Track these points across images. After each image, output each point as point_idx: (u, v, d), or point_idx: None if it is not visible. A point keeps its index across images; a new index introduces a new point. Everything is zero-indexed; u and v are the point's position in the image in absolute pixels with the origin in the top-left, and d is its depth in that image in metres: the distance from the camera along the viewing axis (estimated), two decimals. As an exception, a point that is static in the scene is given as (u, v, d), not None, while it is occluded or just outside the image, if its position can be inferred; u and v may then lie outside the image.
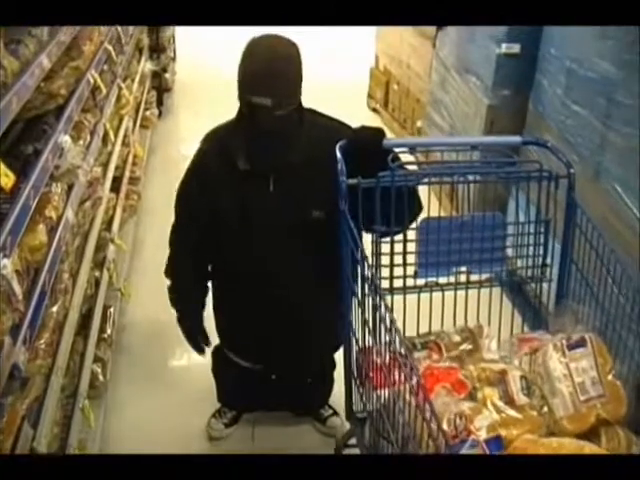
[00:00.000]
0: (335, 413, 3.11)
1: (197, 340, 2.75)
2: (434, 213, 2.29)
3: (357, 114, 7.04)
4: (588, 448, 1.77)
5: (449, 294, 2.27)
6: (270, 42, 2.32)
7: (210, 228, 2.53)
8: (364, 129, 2.28)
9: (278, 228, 2.45)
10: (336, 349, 2.83)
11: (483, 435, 1.76)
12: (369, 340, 2.07)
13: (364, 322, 2.05)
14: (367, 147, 2.21)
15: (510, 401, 1.91)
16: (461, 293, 2.29)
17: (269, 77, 2.23)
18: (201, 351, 2.78)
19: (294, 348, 2.69)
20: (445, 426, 1.76)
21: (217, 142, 2.51)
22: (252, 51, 2.30)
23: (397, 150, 2.25)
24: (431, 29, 5.51)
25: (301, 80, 2.34)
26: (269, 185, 2.41)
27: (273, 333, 2.64)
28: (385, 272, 2.20)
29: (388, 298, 2.07)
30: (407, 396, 1.79)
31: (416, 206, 2.32)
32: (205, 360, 3.15)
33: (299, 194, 2.40)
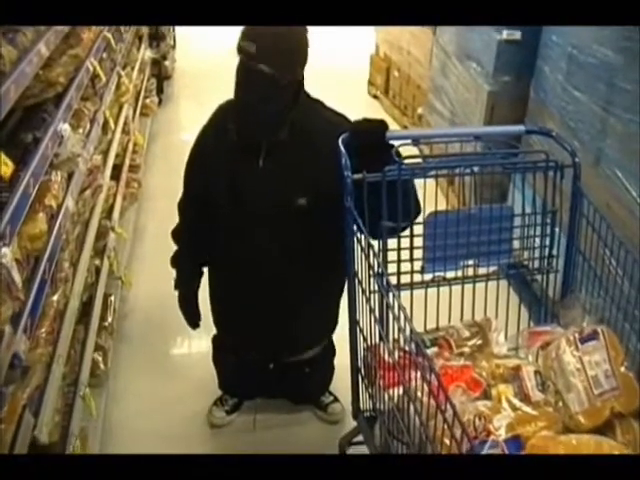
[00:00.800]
0: (336, 399, 3.12)
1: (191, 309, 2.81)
2: (441, 206, 2.26)
3: (358, 101, 7.05)
4: (607, 444, 1.75)
5: (456, 288, 2.26)
6: None
7: (205, 206, 2.55)
8: (366, 121, 2.23)
9: (266, 209, 2.45)
10: (331, 333, 2.86)
11: (502, 435, 1.73)
12: (377, 337, 2.06)
13: (374, 319, 2.04)
14: (370, 139, 2.17)
15: (525, 397, 1.90)
16: (468, 287, 2.28)
17: (273, 46, 2.22)
18: (195, 325, 2.85)
19: (287, 334, 2.70)
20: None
21: (215, 117, 2.55)
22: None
23: (399, 142, 2.20)
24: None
25: (300, 58, 2.31)
26: (259, 160, 2.41)
27: (265, 318, 2.65)
28: (391, 268, 2.17)
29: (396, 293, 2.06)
30: (424, 397, 1.76)
31: (414, 205, 2.28)
32: (206, 348, 3.17)
33: (286, 175, 2.40)
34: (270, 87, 2.25)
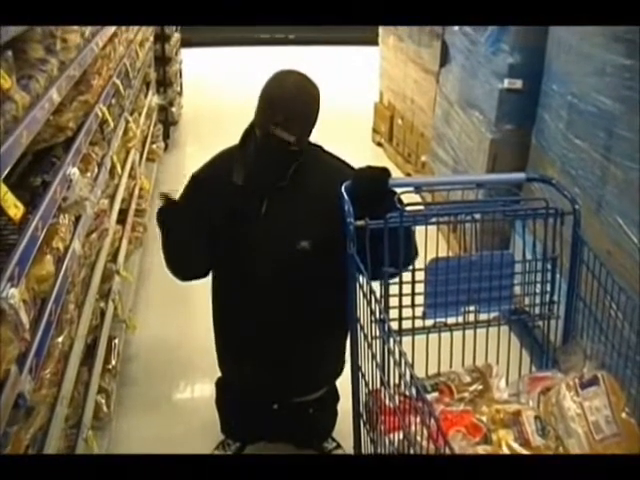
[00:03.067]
0: (339, 446, 3.11)
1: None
2: (442, 253, 2.27)
3: (362, 148, 7.12)
4: None
5: (457, 334, 2.27)
6: (298, 79, 2.39)
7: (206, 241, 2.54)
8: (369, 168, 2.28)
9: (269, 253, 2.48)
10: (334, 379, 2.86)
11: None
12: (378, 382, 2.06)
13: (375, 365, 2.05)
14: (372, 187, 2.22)
15: (525, 442, 1.89)
16: (469, 333, 2.28)
17: (297, 115, 2.33)
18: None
19: (289, 376, 2.71)
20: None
21: (217, 162, 2.59)
22: (281, 84, 2.37)
23: (402, 190, 2.24)
24: (434, 65, 5.58)
25: (316, 120, 2.42)
26: (262, 207, 2.45)
27: (270, 359, 2.66)
28: (393, 313, 2.18)
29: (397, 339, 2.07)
30: (424, 441, 1.76)
31: (412, 250, 2.32)
32: (208, 392, 3.17)
33: (288, 220, 2.44)
34: (287, 152, 2.36)
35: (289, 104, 2.31)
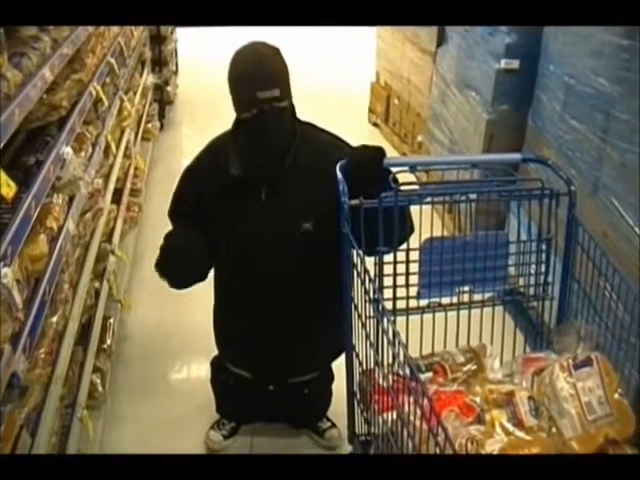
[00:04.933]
0: (333, 425, 3.12)
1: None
2: (437, 232, 2.27)
3: (358, 128, 7.09)
4: None
5: (451, 314, 2.27)
6: (255, 46, 2.40)
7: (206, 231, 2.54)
8: (364, 148, 2.27)
9: (270, 237, 2.47)
10: (333, 359, 2.85)
11: None
12: (372, 362, 2.07)
13: (369, 344, 2.05)
14: (367, 166, 2.21)
15: (519, 423, 1.89)
16: (463, 313, 2.28)
17: (271, 70, 2.33)
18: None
19: (289, 357, 2.72)
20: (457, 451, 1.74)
21: (212, 150, 2.58)
22: (243, 56, 2.38)
23: (397, 169, 2.24)
24: (431, 45, 5.55)
25: (288, 75, 2.41)
26: (261, 194, 2.45)
27: (268, 341, 2.66)
28: (387, 293, 2.18)
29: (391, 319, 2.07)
30: (417, 421, 1.77)
31: (408, 226, 2.33)
32: (204, 372, 3.18)
33: (289, 204, 2.44)
34: (287, 118, 2.37)
35: (256, 66, 2.32)
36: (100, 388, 3.08)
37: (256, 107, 2.32)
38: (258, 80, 2.31)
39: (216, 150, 2.56)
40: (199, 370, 3.55)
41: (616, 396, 1.95)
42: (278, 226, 2.46)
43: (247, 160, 2.44)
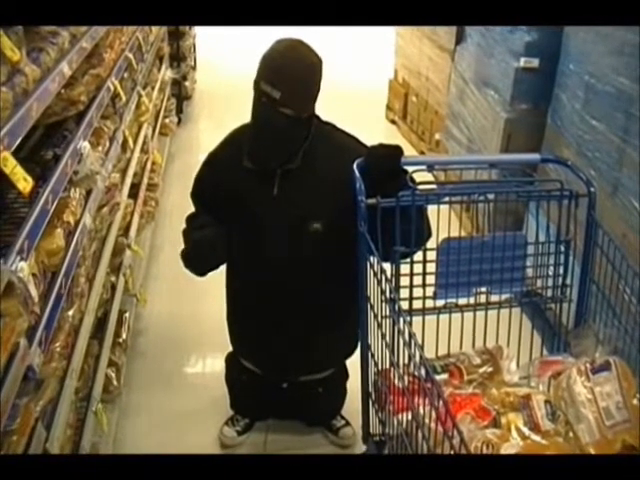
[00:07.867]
0: (347, 424, 3.11)
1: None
2: (454, 232, 2.26)
3: (376, 125, 7.08)
4: None
5: (468, 315, 2.26)
6: (295, 43, 2.34)
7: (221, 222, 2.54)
8: (382, 146, 2.25)
9: (281, 234, 2.47)
10: (346, 358, 2.85)
11: None
12: (388, 362, 2.05)
13: (385, 344, 2.04)
14: (385, 165, 2.19)
15: (535, 427, 1.87)
16: (480, 314, 2.27)
17: (284, 71, 2.27)
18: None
19: (302, 356, 2.72)
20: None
21: (230, 141, 2.58)
22: (277, 46, 2.32)
23: (414, 168, 2.22)
24: (450, 42, 5.53)
25: (317, 92, 2.37)
26: (273, 188, 2.44)
27: (280, 340, 2.66)
28: (404, 293, 2.17)
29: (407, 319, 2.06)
30: (432, 423, 1.76)
31: (425, 229, 2.31)
32: (219, 367, 3.18)
33: (300, 201, 2.43)
34: (290, 126, 2.31)
35: (288, 81, 2.26)
36: (115, 382, 3.09)
37: (257, 94, 2.32)
38: (270, 72, 2.28)
39: (234, 141, 2.56)
40: (214, 365, 3.56)
41: (634, 401, 1.92)
42: (288, 224, 2.45)
43: (259, 156, 2.44)
